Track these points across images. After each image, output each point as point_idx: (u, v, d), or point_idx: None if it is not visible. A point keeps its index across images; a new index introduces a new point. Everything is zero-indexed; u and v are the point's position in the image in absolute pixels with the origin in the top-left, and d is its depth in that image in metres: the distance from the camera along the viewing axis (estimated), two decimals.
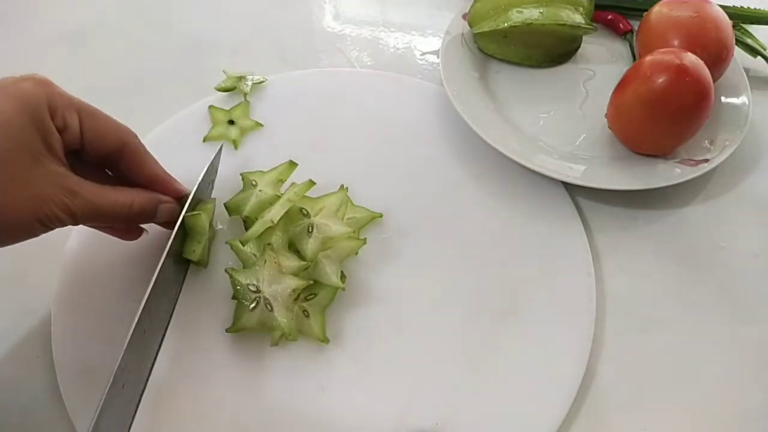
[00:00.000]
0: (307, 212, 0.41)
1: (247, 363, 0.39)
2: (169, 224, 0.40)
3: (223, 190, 0.46)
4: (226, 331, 0.39)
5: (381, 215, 0.44)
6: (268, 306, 0.38)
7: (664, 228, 0.46)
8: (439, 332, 0.40)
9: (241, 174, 0.45)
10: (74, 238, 0.44)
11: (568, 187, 0.47)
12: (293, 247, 0.40)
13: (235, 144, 0.49)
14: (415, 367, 0.39)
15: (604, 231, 0.46)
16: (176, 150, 0.48)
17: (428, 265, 0.43)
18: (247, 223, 0.43)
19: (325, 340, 0.39)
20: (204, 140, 0.49)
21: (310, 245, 0.39)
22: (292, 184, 0.42)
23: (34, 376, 0.39)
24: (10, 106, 0.31)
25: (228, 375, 0.38)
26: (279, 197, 0.42)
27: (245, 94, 0.52)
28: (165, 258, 0.37)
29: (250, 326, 0.38)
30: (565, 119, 0.51)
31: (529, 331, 0.40)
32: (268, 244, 0.39)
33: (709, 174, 0.47)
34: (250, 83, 0.53)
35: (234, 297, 0.39)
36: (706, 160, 0.46)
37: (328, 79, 0.54)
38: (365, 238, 0.41)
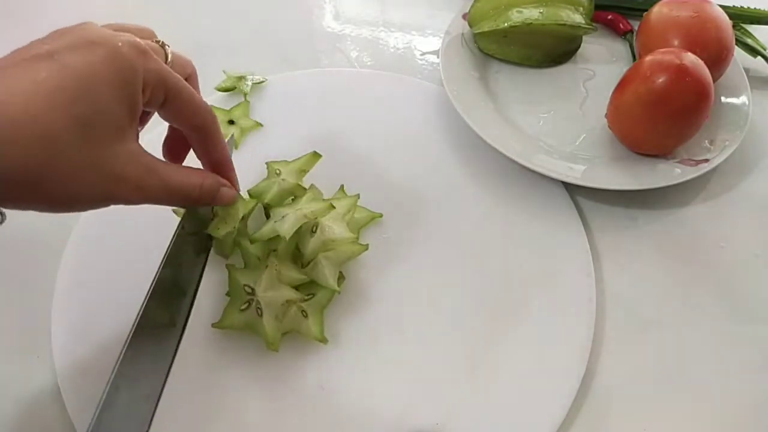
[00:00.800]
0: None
1: (247, 362, 0.39)
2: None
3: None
4: (212, 326, 0.38)
5: (381, 215, 0.44)
6: (259, 310, 0.38)
7: (664, 228, 0.46)
8: (439, 332, 0.40)
9: (266, 163, 0.45)
10: (74, 237, 0.44)
11: (568, 187, 0.47)
12: (298, 256, 0.40)
13: (235, 144, 0.49)
14: (414, 367, 0.39)
15: (604, 231, 0.46)
16: None
17: (428, 265, 0.43)
18: (267, 209, 0.43)
19: (323, 340, 0.39)
20: None
21: (311, 244, 0.39)
22: (311, 186, 0.42)
23: (34, 376, 0.39)
24: (107, 76, 0.28)
25: (226, 374, 0.38)
26: (300, 186, 0.43)
27: (245, 94, 0.52)
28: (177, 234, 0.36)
29: (236, 325, 0.38)
30: (565, 119, 0.51)
31: (529, 331, 0.40)
32: (274, 250, 0.39)
33: (709, 174, 0.47)
34: (250, 83, 0.53)
35: (228, 294, 0.39)
36: (706, 160, 0.46)
37: (328, 79, 0.54)
38: (367, 244, 0.41)
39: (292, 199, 0.43)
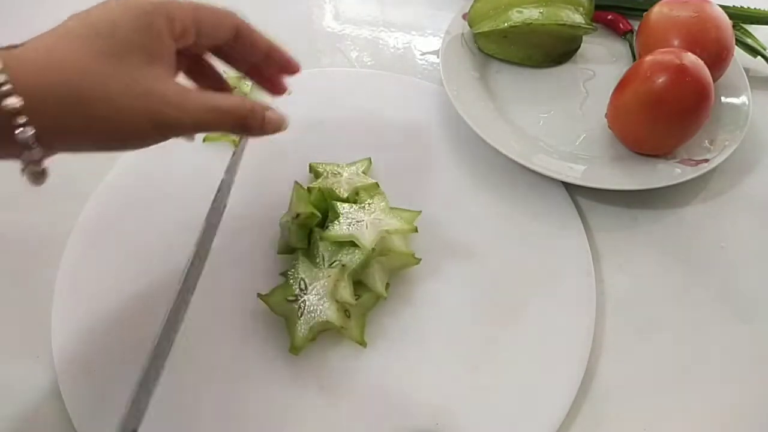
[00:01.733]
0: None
1: (247, 362, 0.39)
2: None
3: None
4: (258, 295, 0.38)
5: (416, 230, 0.42)
6: (300, 311, 0.37)
7: (664, 228, 0.46)
8: (439, 332, 0.40)
9: (311, 164, 0.46)
10: (74, 237, 0.44)
11: (568, 187, 0.47)
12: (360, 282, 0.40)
13: (235, 144, 0.49)
14: (415, 366, 0.39)
15: (604, 231, 0.46)
16: (176, 150, 0.48)
17: (428, 265, 0.43)
18: (330, 209, 0.42)
19: (363, 343, 0.39)
20: (204, 140, 0.49)
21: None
22: (392, 209, 0.42)
23: (34, 376, 0.39)
24: (125, 13, 0.30)
25: (226, 374, 0.39)
26: (376, 185, 0.43)
27: (245, 94, 0.52)
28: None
29: (276, 310, 0.38)
30: (565, 119, 0.51)
31: (529, 331, 0.40)
32: (344, 265, 0.38)
33: (709, 174, 0.47)
34: (250, 83, 0.52)
35: (283, 275, 0.39)
36: (706, 160, 0.46)
37: (328, 79, 0.54)
38: (420, 258, 0.41)
39: (355, 200, 0.42)
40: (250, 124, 0.34)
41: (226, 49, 0.37)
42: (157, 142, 0.31)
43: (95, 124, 0.28)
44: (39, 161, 0.28)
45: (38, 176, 0.28)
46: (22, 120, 0.26)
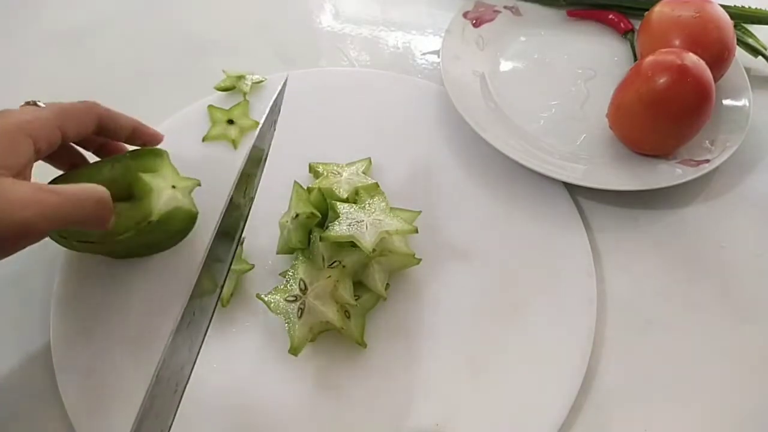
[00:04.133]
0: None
1: (246, 362, 0.39)
2: None
3: (222, 189, 0.46)
4: (257, 295, 0.38)
5: (416, 230, 0.41)
6: (300, 311, 0.37)
7: (665, 228, 0.46)
8: (440, 332, 0.40)
9: (310, 164, 0.46)
10: None
11: (569, 187, 0.47)
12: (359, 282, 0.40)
13: (234, 144, 0.49)
14: (414, 366, 0.39)
15: (605, 231, 0.46)
16: (176, 150, 0.48)
17: (428, 265, 0.43)
18: (329, 210, 0.42)
19: (363, 344, 0.39)
20: (203, 140, 0.49)
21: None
22: (392, 209, 0.41)
23: (34, 376, 0.39)
24: None
25: (226, 374, 0.38)
26: (376, 185, 0.43)
27: (245, 94, 0.52)
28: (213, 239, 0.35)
29: (275, 309, 0.38)
30: (565, 119, 0.51)
31: (529, 331, 0.40)
32: (344, 266, 0.38)
33: (710, 174, 0.47)
34: (249, 83, 0.52)
35: (282, 275, 0.39)
36: (707, 161, 0.46)
37: (327, 79, 0.54)
38: (420, 259, 0.41)
39: (355, 200, 0.42)
40: (101, 211, 0.35)
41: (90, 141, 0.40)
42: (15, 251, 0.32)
43: None
44: None
45: None
46: None
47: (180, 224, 0.42)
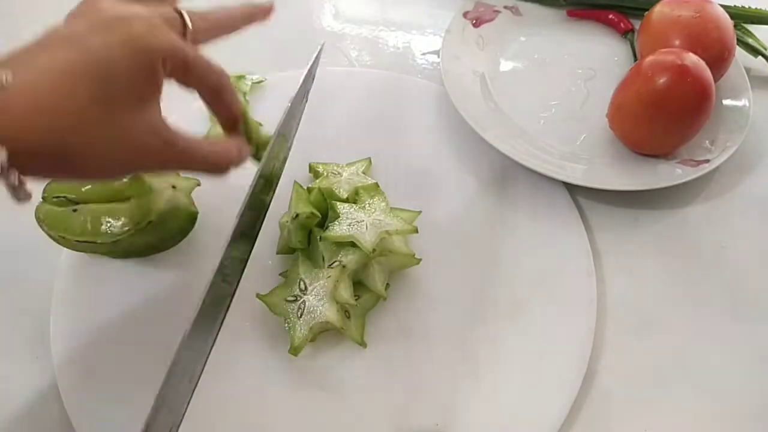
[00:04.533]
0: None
1: (246, 362, 0.39)
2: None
3: (222, 188, 0.46)
4: (257, 295, 0.38)
5: (416, 230, 0.41)
6: (300, 312, 0.37)
7: (665, 228, 0.46)
8: (439, 332, 0.40)
9: (311, 164, 0.46)
10: None
11: (569, 187, 0.47)
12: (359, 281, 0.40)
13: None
14: (414, 366, 0.39)
15: (605, 231, 0.46)
16: None
17: (427, 265, 0.43)
18: (329, 209, 0.42)
19: (363, 344, 0.39)
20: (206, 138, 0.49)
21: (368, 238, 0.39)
22: (392, 209, 0.41)
23: (34, 376, 0.39)
24: (124, 56, 0.29)
25: (226, 374, 0.38)
26: (376, 185, 0.43)
27: (245, 94, 0.52)
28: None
29: (275, 310, 0.38)
30: (565, 119, 0.51)
31: (529, 331, 0.40)
32: (344, 266, 0.38)
33: (710, 174, 0.47)
34: (249, 83, 0.52)
35: (282, 275, 0.39)
36: (707, 161, 0.46)
37: (327, 79, 0.54)
38: (420, 259, 0.41)
39: (355, 200, 0.42)
40: (221, 172, 0.35)
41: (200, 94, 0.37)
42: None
43: (77, 172, 0.29)
44: (18, 187, 0.27)
45: (20, 197, 0.27)
46: (3, 163, 0.25)
47: (180, 224, 0.42)
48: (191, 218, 0.42)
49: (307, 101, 0.42)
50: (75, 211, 0.39)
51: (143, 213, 0.39)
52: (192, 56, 0.33)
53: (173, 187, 0.41)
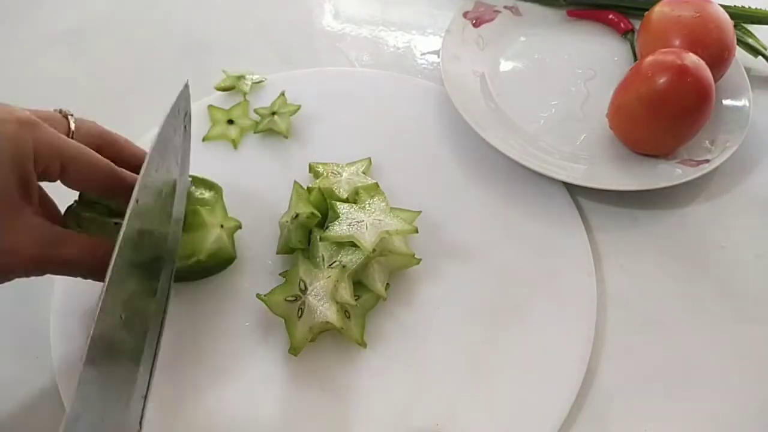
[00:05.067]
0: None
1: (246, 362, 0.39)
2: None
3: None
4: (257, 296, 0.38)
5: (416, 231, 0.41)
6: (300, 312, 0.37)
7: (665, 228, 0.46)
8: (440, 332, 0.40)
9: (310, 163, 0.46)
10: None
11: (569, 187, 0.47)
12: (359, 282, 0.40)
13: (234, 144, 0.49)
14: (414, 366, 0.39)
15: (605, 231, 0.46)
16: None
17: (427, 265, 0.42)
18: (329, 210, 0.42)
19: (363, 344, 0.39)
20: (203, 140, 0.49)
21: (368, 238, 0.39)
22: (392, 209, 0.41)
23: (33, 376, 0.39)
24: None
25: (226, 374, 0.38)
26: (376, 185, 0.42)
27: (245, 94, 0.52)
28: None
29: (276, 310, 0.38)
30: (565, 119, 0.51)
31: (529, 331, 0.40)
32: (343, 266, 0.38)
33: (710, 174, 0.47)
34: (249, 83, 0.52)
35: (282, 275, 0.39)
36: (707, 161, 0.46)
37: (327, 79, 0.54)
38: (420, 259, 0.41)
39: (355, 200, 0.42)
40: (98, 270, 0.32)
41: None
42: None
43: None
44: None
45: None
46: None
47: (219, 264, 0.41)
48: (229, 260, 0.42)
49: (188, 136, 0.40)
50: (117, 224, 0.37)
51: (193, 249, 0.38)
52: (70, 152, 0.31)
53: (221, 226, 0.40)
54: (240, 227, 0.42)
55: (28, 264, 0.31)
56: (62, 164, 0.32)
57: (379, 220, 0.39)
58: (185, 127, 0.40)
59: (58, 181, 0.34)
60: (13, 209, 0.29)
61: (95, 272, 0.33)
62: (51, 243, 0.31)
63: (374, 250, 0.38)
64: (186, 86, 0.39)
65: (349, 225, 0.39)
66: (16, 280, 0.41)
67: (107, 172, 0.34)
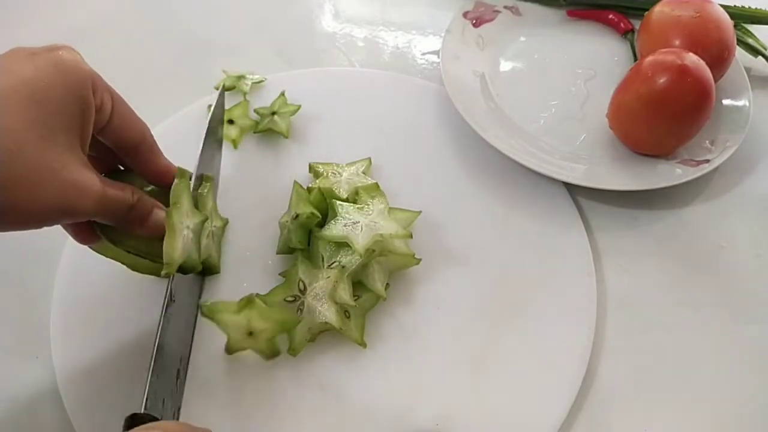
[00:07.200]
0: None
1: (246, 362, 0.39)
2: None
3: (222, 189, 0.46)
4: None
5: (410, 236, 0.41)
6: (300, 311, 0.37)
7: (665, 228, 0.46)
8: (440, 332, 0.40)
9: (310, 163, 0.46)
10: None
11: (569, 187, 0.47)
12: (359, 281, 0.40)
13: (235, 143, 0.49)
14: (415, 367, 0.39)
15: (605, 231, 0.46)
16: (175, 149, 0.48)
17: (427, 265, 0.43)
18: (328, 209, 0.42)
19: (363, 344, 0.39)
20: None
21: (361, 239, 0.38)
22: (392, 210, 0.41)
23: (33, 376, 0.39)
24: (56, 78, 0.28)
25: (225, 374, 0.38)
26: (376, 185, 0.42)
27: (245, 94, 0.52)
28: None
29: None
30: (565, 119, 0.51)
31: (529, 331, 0.40)
32: (343, 266, 0.38)
33: (710, 174, 0.47)
34: (249, 83, 0.52)
35: (282, 275, 0.39)
36: (707, 161, 0.46)
37: (327, 79, 0.54)
38: (420, 259, 0.41)
39: (355, 200, 0.42)
40: (130, 217, 0.33)
41: (125, 153, 0.35)
42: (51, 225, 0.30)
43: (12, 202, 0.27)
44: None
45: None
46: None
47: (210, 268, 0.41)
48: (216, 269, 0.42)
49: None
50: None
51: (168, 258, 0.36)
52: (118, 95, 0.32)
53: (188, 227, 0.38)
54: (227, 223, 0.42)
55: (91, 205, 0.30)
56: (113, 101, 0.32)
57: (375, 222, 0.39)
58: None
59: None
60: (71, 140, 0.29)
61: (121, 221, 0.33)
62: (110, 184, 0.31)
63: (374, 250, 0.38)
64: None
65: (345, 225, 0.39)
66: (16, 275, 0.41)
67: (146, 131, 0.35)
